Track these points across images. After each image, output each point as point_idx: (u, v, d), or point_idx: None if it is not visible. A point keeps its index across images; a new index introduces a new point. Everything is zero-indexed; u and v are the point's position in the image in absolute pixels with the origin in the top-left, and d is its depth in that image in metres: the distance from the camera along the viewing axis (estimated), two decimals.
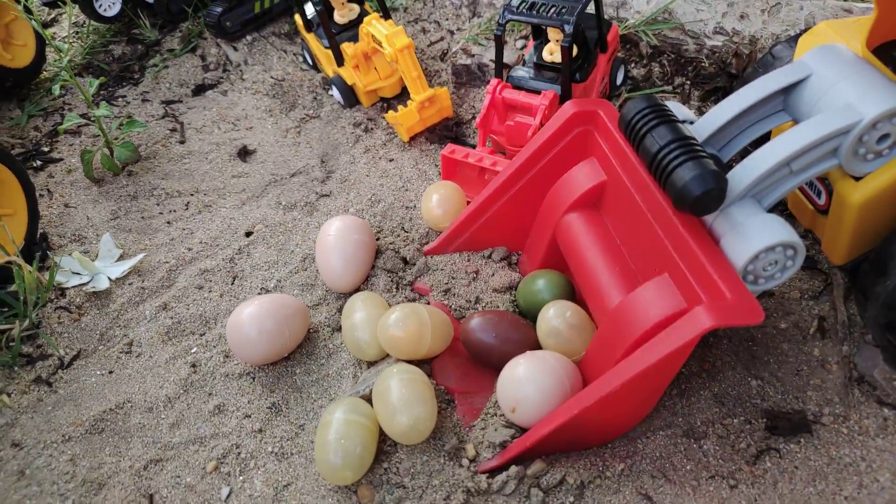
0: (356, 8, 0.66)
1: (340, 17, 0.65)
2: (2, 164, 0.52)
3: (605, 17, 0.67)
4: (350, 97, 0.65)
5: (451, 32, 0.73)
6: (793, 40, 0.47)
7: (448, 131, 0.63)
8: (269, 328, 0.44)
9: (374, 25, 0.59)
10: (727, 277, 0.33)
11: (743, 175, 0.37)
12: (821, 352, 0.43)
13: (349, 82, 0.64)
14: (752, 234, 0.35)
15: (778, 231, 0.35)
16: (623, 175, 0.41)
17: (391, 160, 0.61)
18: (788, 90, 0.40)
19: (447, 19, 0.75)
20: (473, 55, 0.68)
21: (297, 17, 0.67)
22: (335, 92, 0.65)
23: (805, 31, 0.46)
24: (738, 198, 0.37)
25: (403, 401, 0.38)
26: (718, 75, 0.60)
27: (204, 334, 0.49)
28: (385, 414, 0.39)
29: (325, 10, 0.65)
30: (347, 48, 0.62)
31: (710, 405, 0.41)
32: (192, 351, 0.47)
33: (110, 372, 0.47)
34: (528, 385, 0.38)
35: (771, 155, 0.36)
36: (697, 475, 0.38)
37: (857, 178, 0.38)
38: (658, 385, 0.37)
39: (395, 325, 0.42)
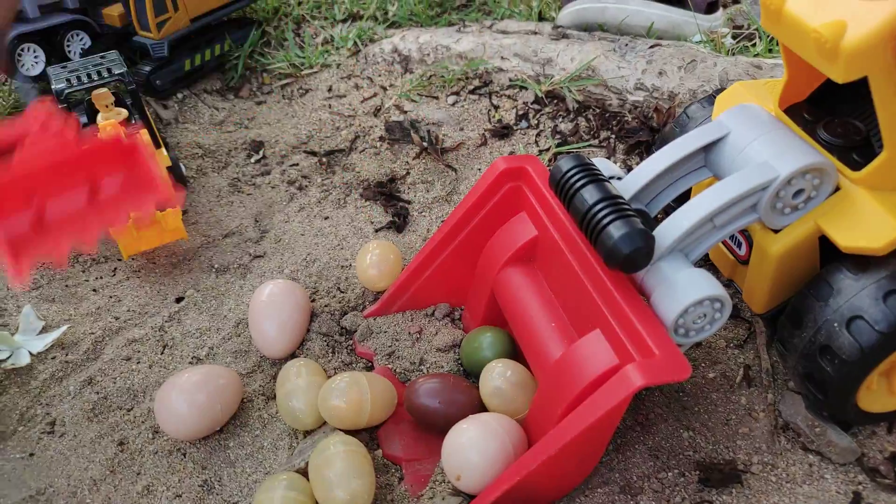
0: (123, 112, 0.61)
1: (103, 118, 0.60)
2: None
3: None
4: None
5: (384, 88, 0.74)
6: (706, 100, 0.49)
7: (382, 188, 0.63)
8: (199, 402, 0.42)
9: (105, 132, 0.55)
10: (655, 334, 0.34)
11: (670, 231, 0.38)
12: (747, 400, 0.44)
13: None
14: (681, 290, 0.36)
15: (705, 286, 0.36)
16: (553, 231, 0.42)
17: (326, 218, 0.61)
18: (709, 148, 0.41)
19: (380, 75, 0.76)
20: (406, 111, 0.70)
21: None
22: None
23: (720, 90, 0.48)
24: (667, 252, 0.38)
25: (340, 475, 0.37)
26: (641, 129, 0.62)
27: (132, 409, 0.47)
28: (322, 489, 0.38)
29: (89, 110, 0.62)
30: None
31: (645, 459, 0.41)
32: (119, 428, 0.46)
33: (31, 455, 0.44)
34: (471, 451, 0.38)
35: (695, 211, 0.38)
36: None
37: (776, 231, 0.40)
38: (599, 442, 0.38)
39: (335, 395, 0.41)
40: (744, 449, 0.42)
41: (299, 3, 0.91)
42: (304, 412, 0.43)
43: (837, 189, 0.38)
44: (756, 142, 0.39)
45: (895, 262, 0.37)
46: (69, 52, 0.78)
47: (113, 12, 0.76)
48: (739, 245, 0.44)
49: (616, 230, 0.35)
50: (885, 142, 0.36)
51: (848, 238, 0.37)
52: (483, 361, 0.44)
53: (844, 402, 0.39)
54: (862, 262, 0.37)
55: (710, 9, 0.76)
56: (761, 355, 0.46)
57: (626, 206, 0.36)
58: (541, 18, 0.81)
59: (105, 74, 0.62)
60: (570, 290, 0.41)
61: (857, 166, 0.38)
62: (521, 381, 0.42)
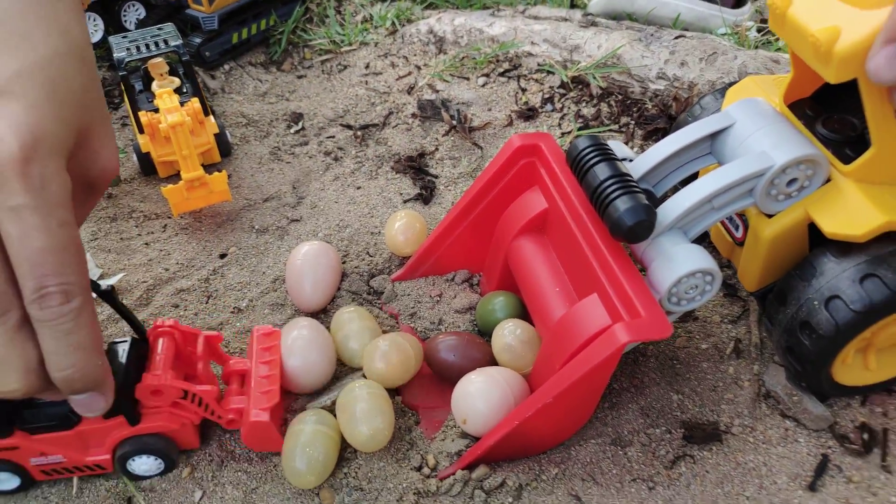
0: (175, 80, 0.67)
1: (158, 85, 0.65)
2: None
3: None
4: (146, 165, 0.66)
5: (419, 67, 0.78)
6: (719, 93, 0.52)
7: (412, 162, 0.67)
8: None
9: (162, 99, 0.60)
10: (643, 298, 0.38)
11: (671, 209, 0.42)
12: (735, 370, 0.48)
13: (143, 150, 0.65)
14: (677, 261, 0.40)
15: (699, 259, 0.40)
16: (561, 204, 0.46)
17: (359, 188, 0.66)
18: (715, 136, 0.45)
19: (415, 55, 0.80)
20: (438, 91, 0.74)
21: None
22: (134, 157, 0.67)
23: (733, 83, 0.52)
24: (667, 229, 0.42)
25: (365, 412, 0.42)
26: (660, 116, 0.66)
27: None
28: (347, 424, 0.43)
29: (145, 77, 0.67)
30: (143, 116, 0.62)
31: (636, 416, 0.46)
32: None
33: None
34: (477, 399, 0.43)
35: (695, 193, 0.42)
36: (622, 478, 0.42)
37: (770, 216, 0.44)
38: (590, 395, 0.42)
39: (382, 358, 0.46)
40: (727, 413, 0.46)
41: None
42: (359, 352, 0.48)
43: (829, 180, 0.42)
44: (757, 133, 0.42)
45: (874, 249, 0.40)
46: (125, 21, 0.83)
47: None
48: (737, 227, 0.48)
49: (622, 204, 0.39)
50: (872, 139, 0.39)
51: (832, 225, 0.40)
52: (495, 322, 0.49)
53: (819, 374, 0.43)
54: (844, 248, 0.41)
55: (739, 3, 0.79)
56: (752, 331, 0.50)
57: (634, 184, 0.40)
58: (572, 6, 0.85)
59: (161, 45, 0.67)
60: (574, 259, 0.45)
61: (848, 160, 0.41)
62: (528, 339, 0.46)
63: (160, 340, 0.43)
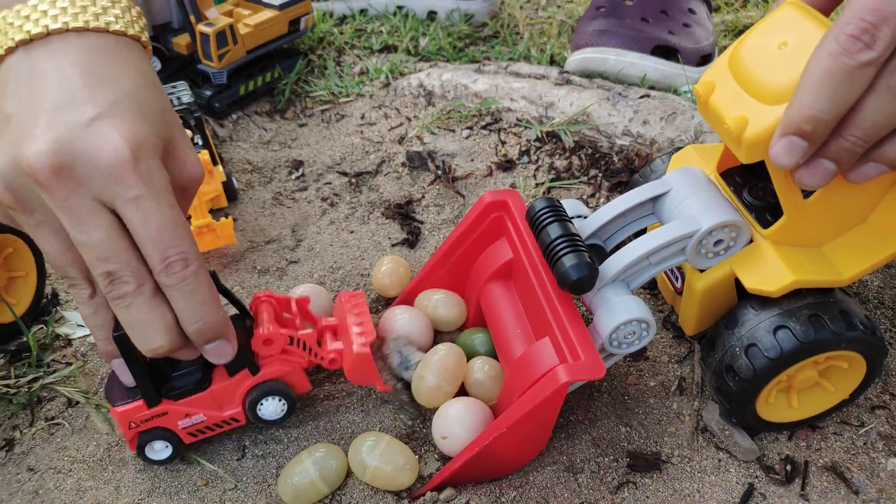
0: (188, 133, 0.73)
1: None
2: (15, 234, 0.62)
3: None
4: None
5: (409, 119, 0.86)
6: (666, 157, 0.59)
7: (400, 209, 0.74)
8: None
9: None
10: (584, 344, 0.45)
11: (614, 264, 0.48)
12: (678, 406, 0.54)
13: None
14: (617, 310, 0.47)
15: (636, 309, 0.47)
16: (523, 255, 0.53)
17: (352, 232, 0.73)
18: (656, 199, 0.51)
19: (406, 107, 0.87)
20: (425, 143, 0.81)
21: None
22: None
23: (677, 149, 0.58)
24: (610, 281, 0.48)
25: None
26: (624, 170, 0.72)
27: None
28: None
29: None
30: None
31: (588, 446, 0.52)
32: None
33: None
34: (455, 422, 0.49)
35: (634, 250, 0.48)
36: (571, 501, 0.48)
37: (701, 271, 0.50)
38: (541, 426, 0.48)
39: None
40: (668, 444, 0.52)
41: (342, 33, 1.03)
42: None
43: (752, 241, 0.48)
44: (689, 199, 0.49)
45: (786, 303, 0.46)
46: None
47: (181, 41, 0.88)
48: (677, 279, 0.54)
49: (568, 261, 0.45)
50: (783, 209, 0.46)
51: (752, 281, 0.47)
52: (475, 353, 0.55)
53: (745, 412, 0.49)
54: (763, 301, 0.47)
55: (703, 61, 0.86)
56: (695, 370, 0.56)
57: (580, 242, 0.47)
58: (552, 62, 0.92)
59: (175, 102, 0.74)
60: (532, 305, 0.51)
61: (767, 224, 0.48)
62: (495, 375, 0.52)
63: (262, 306, 0.50)
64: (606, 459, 0.51)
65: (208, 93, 0.86)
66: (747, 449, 0.50)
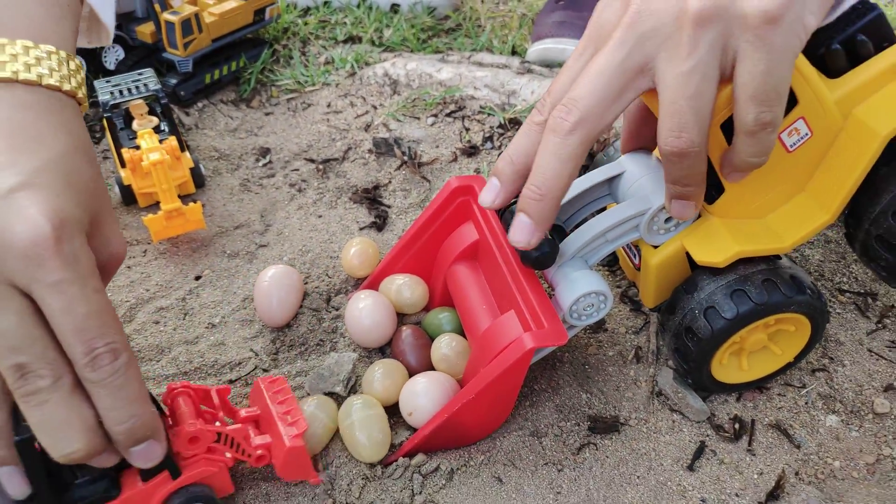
0: (154, 120, 0.74)
1: (138, 125, 0.73)
2: None
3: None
4: (127, 196, 0.73)
5: (375, 107, 0.87)
6: (617, 142, 0.62)
7: (368, 193, 0.76)
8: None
9: (144, 139, 0.69)
10: (547, 313, 0.47)
11: (573, 242, 0.51)
12: (635, 373, 0.57)
13: (125, 183, 0.72)
14: (576, 284, 0.49)
15: (594, 282, 0.49)
16: (489, 236, 0.55)
17: (320, 216, 0.74)
18: (611, 180, 0.54)
19: (372, 96, 0.89)
20: (391, 129, 0.83)
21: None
22: (116, 189, 0.74)
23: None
24: (570, 257, 0.51)
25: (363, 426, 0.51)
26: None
27: (160, 360, 0.60)
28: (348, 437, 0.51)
29: (126, 116, 0.75)
30: (126, 153, 0.69)
31: (551, 412, 0.54)
32: (148, 375, 0.59)
33: None
34: (421, 396, 0.51)
35: (591, 228, 0.51)
36: (536, 463, 0.51)
37: (655, 246, 0.53)
38: (507, 393, 0.50)
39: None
40: (626, 408, 0.55)
41: (306, 24, 1.04)
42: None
43: (700, 216, 0.52)
44: (641, 179, 0.52)
45: (742, 268, 0.49)
46: (105, 61, 0.91)
47: (145, 30, 0.89)
48: (635, 256, 0.57)
49: None
50: (723, 184, 0.49)
51: (699, 254, 0.50)
52: (441, 331, 0.57)
53: (701, 372, 0.52)
54: (720, 269, 0.50)
55: None
56: (650, 340, 0.59)
57: None
58: (513, 52, 0.95)
59: (142, 89, 0.75)
60: (497, 282, 0.54)
61: (712, 200, 0.51)
62: (461, 350, 0.55)
63: (179, 399, 0.45)
64: (569, 424, 0.54)
65: (173, 81, 0.86)
66: (699, 410, 0.54)
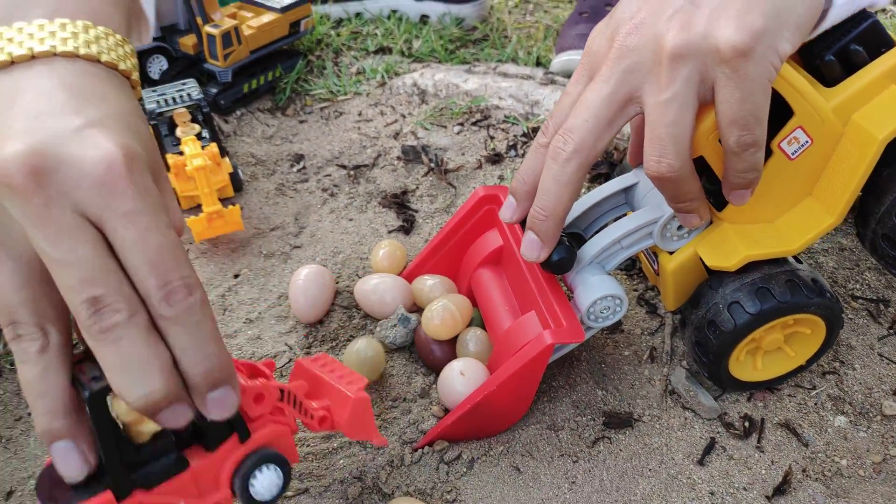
0: (196, 127, 0.78)
1: (181, 132, 0.77)
2: None
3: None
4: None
5: (404, 116, 0.91)
6: None
7: (396, 198, 0.80)
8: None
9: (187, 145, 0.73)
10: (566, 314, 0.50)
11: (590, 248, 0.54)
12: (649, 372, 0.60)
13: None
14: (594, 288, 0.52)
15: (610, 286, 0.52)
16: (512, 242, 0.58)
17: (351, 220, 0.78)
18: (627, 190, 0.57)
19: (401, 105, 0.93)
20: (419, 137, 0.86)
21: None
22: None
23: None
24: (587, 263, 0.54)
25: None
26: (604, 163, 0.78)
27: None
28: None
29: (170, 124, 0.79)
30: (170, 159, 0.73)
31: (567, 408, 0.57)
32: None
33: None
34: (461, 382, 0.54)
35: (607, 236, 0.53)
36: (553, 454, 0.54)
37: (671, 252, 0.56)
38: (526, 387, 0.53)
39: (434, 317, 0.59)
40: (640, 405, 0.57)
41: (338, 35, 1.08)
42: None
43: (711, 223, 0.54)
44: (654, 189, 0.54)
45: (767, 269, 0.52)
46: (149, 71, 0.96)
47: (188, 42, 0.93)
48: (654, 261, 0.60)
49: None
50: (725, 197, 0.51)
51: (711, 259, 0.52)
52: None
53: (719, 366, 0.54)
54: (746, 267, 0.52)
55: None
56: (665, 341, 0.62)
57: (562, 231, 0.52)
58: (538, 63, 0.98)
59: (186, 98, 0.79)
60: (519, 285, 0.57)
61: (722, 207, 0.53)
62: (484, 346, 0.58)
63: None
64: (584, 419, 0.56)
65: (214, 90, 0.91)
66: (710, 408, 0.56)
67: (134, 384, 0.31)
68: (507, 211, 0.53)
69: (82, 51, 0.36)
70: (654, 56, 0.43)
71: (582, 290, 0.53)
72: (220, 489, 0.39)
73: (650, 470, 0.53)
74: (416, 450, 0.54)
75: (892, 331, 0.62)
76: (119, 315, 0.31)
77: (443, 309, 0.58)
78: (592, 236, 0.55)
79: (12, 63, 0.35)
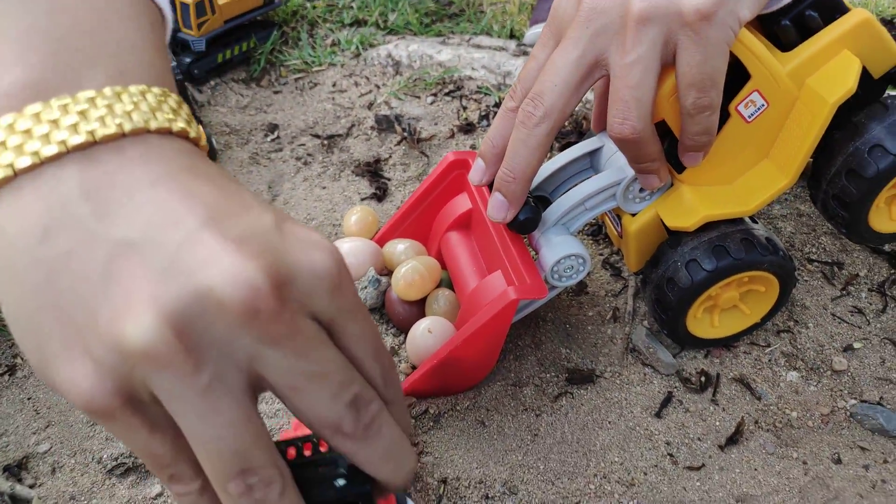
0: None
1: None
2: None
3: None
4: None
5: (378, 87, 0.92)
6: None
7: (369, 167, 0.81)
8: None
9: None
10: (530, 271, 0.52)
11: (555, 210, 0.55)
12: (612, 331, 0.62)
13: None
14: (557, 247, 0.54)
15: (573, 246, 0.54)
16: (481, 206, 0.60)
17: (324, 188, 0.79)
18: (592, 154, 0.59)
19: (375, 76, 0.94)
20: (393, 107, 0.87)
21: None
22: None
23: None
24: (552, 224, 0.56)
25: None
26: (573, 132, 0.79)
27: None
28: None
29: None
30: None
31: (533, 365, 0.59)
32: None
33: None
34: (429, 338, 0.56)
35: (571, 197, 0.55)
36: (517, 409, 0.56)
37: (633, 214, 0.57)
38: (493, 343, 0.54)
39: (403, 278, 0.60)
40: (602, 362, 0.59)
41: (314, 7, 1.08)
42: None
43: (672, 185, 0.56)
44: (618, 153, 0.56)
45: (723, 228, 0.53)
46: None
47: None
48: (618, 225, 0.62)
49: None
50: (679, 158, 0.53)
51: (670, 219, 0.54)
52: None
53: (677, 322, 0.55)
54: (704, 227, 0.54)
55: None
56: (628, 302, 0.63)
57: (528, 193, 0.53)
58: (511, 36, 0.99)
59: None
60: (487, 246, 0.58)
61: (681, 169, 0.55)
62: (452, 305, 0.60)
63: None
64: (548, 375, 0.58)
65: (188, 60, 0.91)
66: (668, 364, 0.58)
67: (401, 464, 0.30)
68: (476, 174, 0.55)
69: (175, 127, 0.28)
70: (620, 19, 0.44)
71: (546, 249, 0.54)
72: None
73: (609, 422, 0.55)
74: None
75: (844, 292, 0.65)
76: (375, 404, 0.29)
77: (411, 270, 0.60)
78: (558, 199, 0.57)
79: (94, 143, 0.25)
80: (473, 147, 0.82)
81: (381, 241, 0.67)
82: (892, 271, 0.66)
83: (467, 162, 0.62)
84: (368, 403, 0.29)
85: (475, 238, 0.62)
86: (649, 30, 0.44)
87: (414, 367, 0.58)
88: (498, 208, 0.52)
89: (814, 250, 0.68)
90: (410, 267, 0.60)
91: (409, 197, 0.65)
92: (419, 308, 0.61)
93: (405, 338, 0.60)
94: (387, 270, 0.66)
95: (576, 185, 0.59)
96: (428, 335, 0.56)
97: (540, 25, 0.92)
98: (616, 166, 0.55)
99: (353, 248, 0.65)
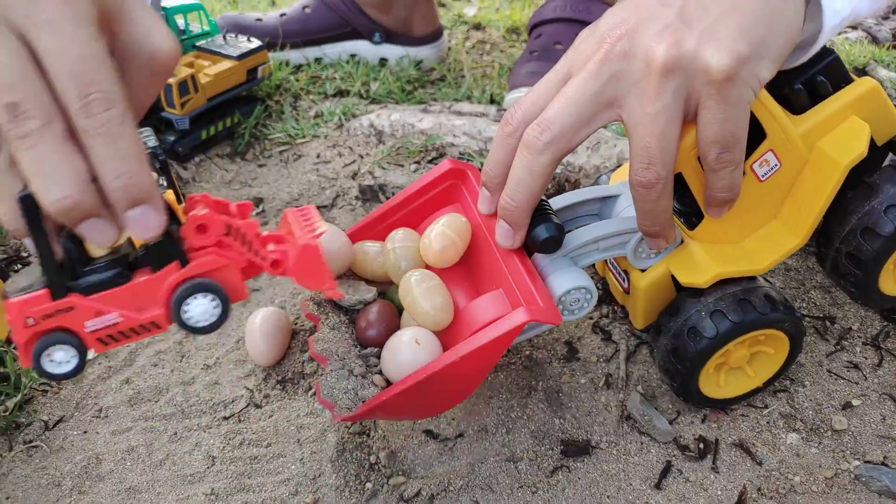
0: (153, 175, 0.75)
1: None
2: None
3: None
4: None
5: (361, 156, 0.92)
6: (607, 174, 0.66)
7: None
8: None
9: None
10: (542, 294, 0.48)
11: (568, 242, 0.53)
12: (606, 398, 0.60)
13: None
14: (567, 278, 0.51)
15: (583, 279, 0.51)
16: (481, 221, 0.55)
17: None
18: (604, 200, 0.58)
19: (358, 145, 0.94)
20: (376, 177, 0.87)
21: None
22: None
23: (619, 166, 0.65)
24: (561, 255, 0.54)
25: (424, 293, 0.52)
26: (556, 194, 0.80)
27: (158, 401, 0.63)
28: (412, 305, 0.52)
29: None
30: None
31: (527, 438, 0.58)
32: (149, 415, 0.62)
33: (84, 432, 0.61)
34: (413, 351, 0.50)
35: (588, 233, 0.53)
36: (512, 486, 0.54)
37: (643, 270, 0.56)
38: (487, 363, 0.49)
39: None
40: (597, 432, 0.58)
41: (297, 80, 1.10)
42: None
43: (682, 241, 0.55)
44: (632, 205, 0.55)
45: (745, 283, 0.53)
46: None
47: None
48: (625, 280, 0.61)
49: (541, 220, 0.50)
50: (703, 212, 0.53)
51: (683, 276, 0.53)
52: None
53: (692, 377, 0.54)
54: (725, 280, 0.53)
55: None
56: (620, 367, 0.62)
57: (552, 211, 0.52)
58: (492, 101, 1.00)
59: None
60: (484, 263, 0.54)
61: (693, 226, 0.55)
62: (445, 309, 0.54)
63: (196, 206, 0.45)
64: (543, 448, 0.57)
65: (172, 138, 0.91)
66: (665, 431, 0.57)
67: (48, 189, 0.32)
68: (484, 204, 0.54)
69: None
70: (644, 67, 0.44)
71: (555, 278, 0.52)
72: (158, 307, 0.41)
73: (609, 497, 0.53)
74: (346, 420, 0.49)
75: (838, 347, 0.64)
76: (33, 122, 0.31)
77: (440, 236, 0.53)
78: (571, 232, 0.55)
79: None
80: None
81: (354, 239, 0.59)
82: (885, 324, 0.65)
83: (465, 173, 0.58)
84: (27, 117, 0.31)
85: (470, 254, 0.57)
86: (672, 81, 0.43)
87: (389, 382, 0.51)
88: (505, 237, 0.51)
89: (804, 305, 0.68)
90: (439, 232, 0.54)
91: (393, 198, 0.60)
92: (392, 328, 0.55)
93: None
94: (354, 274, 0.59)
95: (586, 224, 0.56)
96: (416, 347, 0.50)
97: (518, 90, 0.93)
98: (630, 216, 0.54)
99: (322, 238, 0.57)
